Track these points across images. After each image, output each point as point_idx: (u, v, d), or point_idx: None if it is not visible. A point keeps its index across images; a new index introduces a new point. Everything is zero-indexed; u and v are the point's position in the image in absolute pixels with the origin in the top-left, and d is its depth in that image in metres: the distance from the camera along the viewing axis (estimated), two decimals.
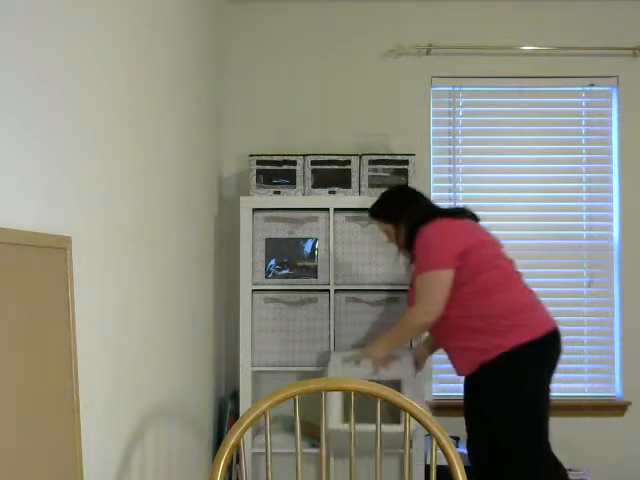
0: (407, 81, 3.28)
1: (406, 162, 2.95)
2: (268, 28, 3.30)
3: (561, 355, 2.33)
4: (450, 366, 2.47)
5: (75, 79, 1.29)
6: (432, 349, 2.66)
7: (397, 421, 2.47)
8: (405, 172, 2.94)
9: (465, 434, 2.51)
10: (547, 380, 2.31)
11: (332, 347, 2.85)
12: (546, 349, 2.29)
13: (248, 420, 1.42)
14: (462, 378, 2.47)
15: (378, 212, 2.60)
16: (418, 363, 2.64)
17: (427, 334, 2.63)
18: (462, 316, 2.30)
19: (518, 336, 2.24)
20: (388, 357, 2.50)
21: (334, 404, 2.70)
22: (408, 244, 2.48)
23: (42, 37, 1.14)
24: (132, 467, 1.64)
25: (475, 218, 2.50)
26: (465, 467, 1.39)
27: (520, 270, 2.42)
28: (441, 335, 2.44)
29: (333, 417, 2.73)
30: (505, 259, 2.39)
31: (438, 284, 2.30)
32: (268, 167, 2.95)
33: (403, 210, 2.51)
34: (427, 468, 2.77)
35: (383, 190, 2.87)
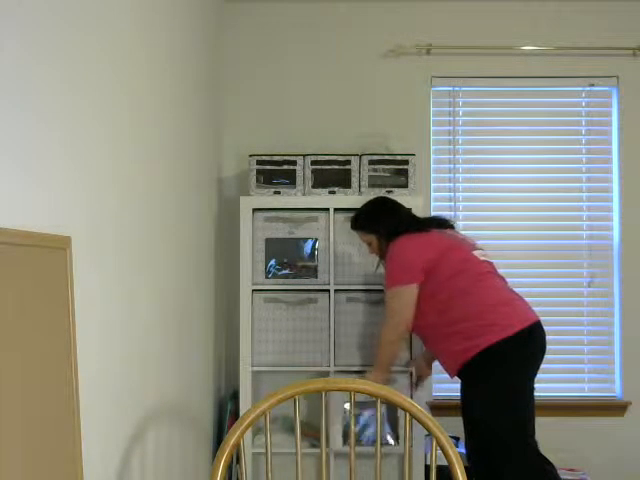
0: (407, 81, 3.28)
1: (406, 162, 2.95)
2: (268, 28, 3.30)
3: (543, 349, 2.32)
4: None
5: (74, 79, 1.29)
6: (431, 358, 2.71)
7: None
8: (405, 172, 2.94)
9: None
10: (526, 377, 2.31)
11: (332, 347, 2.85)
12: (523, 345, 2.27)
13: (248, 420, 1.42)
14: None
15: (359, 223, 2.68)
16: (419, 374, 2.75)
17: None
18: (441, 322, 2.38)
19: (492, 335, 2.25)
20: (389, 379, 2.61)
21: (335, 425, 2.73)
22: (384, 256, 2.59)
23: (42, 37, 1.14)
24: (132, 467, 1.64)
25: (446, 225, 2.59)
26: (465, 467, 1.39)
27: (498, 268, 2.47)
28: (426, 341, 2.57)
29: (334, 438, 2.75)
30: (476, 260, 2.41)
31: (403, 299, 2.42)
32: (268, 167, 2.95)
33: (381, 222, 2.60)
34: (427, 468, 2.77)
35: (383, 191, 2.89)
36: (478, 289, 2.36)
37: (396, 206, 2.66)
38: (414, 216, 2.67)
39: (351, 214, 2.89)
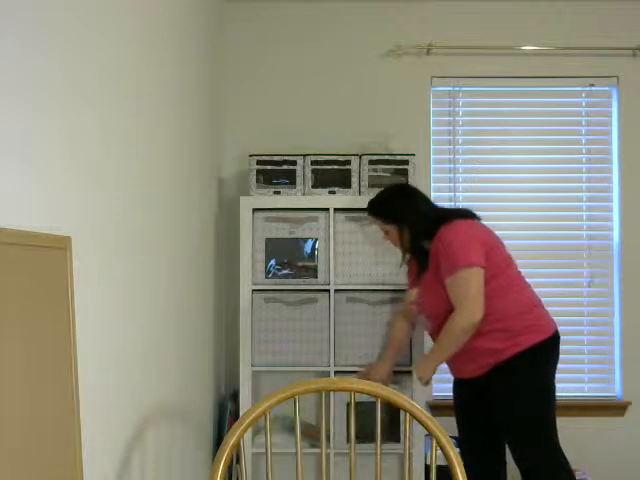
0: (407, 81, 3.28)
1: (406, 162, 2.95)
2: (268, 28, 3.30)
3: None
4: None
5: (74, 78, 1.29)
6: (393, 361, 2.67)
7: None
8: (405, 172, 2.94)
9: None
10: (554, 377, 2.34)
11: (332, 347, 2.85)
12: (556, 348, 2.33)
13: (248, 420, 1.42)
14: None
15: (379, 211, 2.54)
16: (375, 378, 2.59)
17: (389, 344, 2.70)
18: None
19: (534, 335, 2.27)
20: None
21: (335, 425, 2.75)
22: (415, 247, 2.45)
23: (41, 37, 1.14)
24: (132, 467, 1.64)
25: (479, 219, 2.48)
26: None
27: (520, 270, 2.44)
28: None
29: (334, 438, 2.75)
30: (512, 261, 2.40)
31: (474, 281, 2.23)
32: (268, 167, 2.95)
33: (407, 211, 2.46)
34: (427, 468, 2.77)
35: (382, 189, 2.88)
36: (522, 289, 2.34)
37: (417, 193, 2.52)
38: (437, 205, 2.54)
39: (351, 214, 2.90)
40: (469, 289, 2.23)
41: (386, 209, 2.53)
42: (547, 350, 2.30)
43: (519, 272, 2.39)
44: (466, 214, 2.44)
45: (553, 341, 2.31)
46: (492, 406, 2.34)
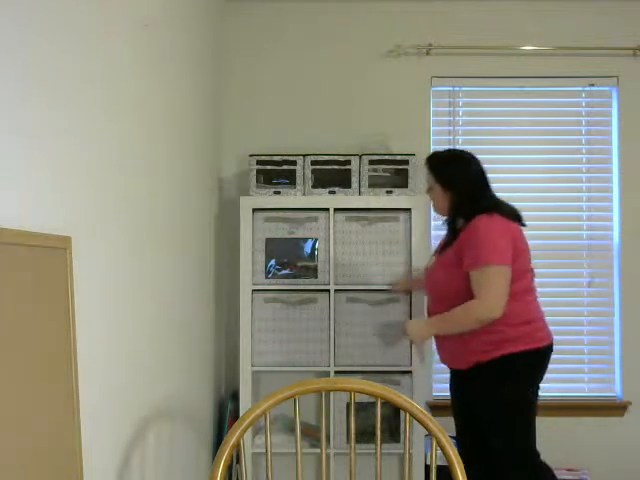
0: (407, 81, 3.28)
1: (406, 162, 2.95)
2: (268, 28, 3.30)
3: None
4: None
5: (73, 79, 1.29)
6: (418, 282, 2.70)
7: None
8: (405, 172, 2.94)
9: None
10: (538, 388, 2.35)
11: (332, 347, 2.85)
12: (546, 359, 2.33)
13: (248, 420, 1.42)
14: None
15: (436, 166, 2.45)
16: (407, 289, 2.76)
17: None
18: None
19: (530, 342, 2.27)
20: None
21: (336, 425, 2.74)
22: (449, 219, 2.40)
23: (41, 37, 1.14)
24: (132, 467, 1.64)
25: (521, 222, 2.41)
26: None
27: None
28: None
29: (335, 438, 2.75)
30: (532, 274, 2.38)
31: (502, 279, 2.21)
32: (268, 167, 2.95)
33: (460, 182, 2.39)
34: (427, 468, 2.77)
35: (383, 191, 2.88)
36: (526, 301, 2.32)
37: (481, 176, 2.42)
38: (495, 198, 2.42)
39: (351, 214, 2.90)
40: (498, 285, 2.20)
41: (443, 167, 2.45)
42: (534, 359, 2.30)
43: (533, 283, 2.38)
44: (511, 213, 2.36)
45: (542, 352, 2.30)
46: (469, 399, 2.36)
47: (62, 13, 1.23)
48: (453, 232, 2.38)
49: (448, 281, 2.33)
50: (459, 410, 2.47)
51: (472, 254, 2.25)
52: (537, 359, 2.31)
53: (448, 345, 2.40)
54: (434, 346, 2.61)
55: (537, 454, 2.34)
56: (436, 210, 2.51)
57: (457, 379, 2.46)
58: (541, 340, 2.30)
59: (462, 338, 2.31)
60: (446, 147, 2.61)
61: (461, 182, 2.39)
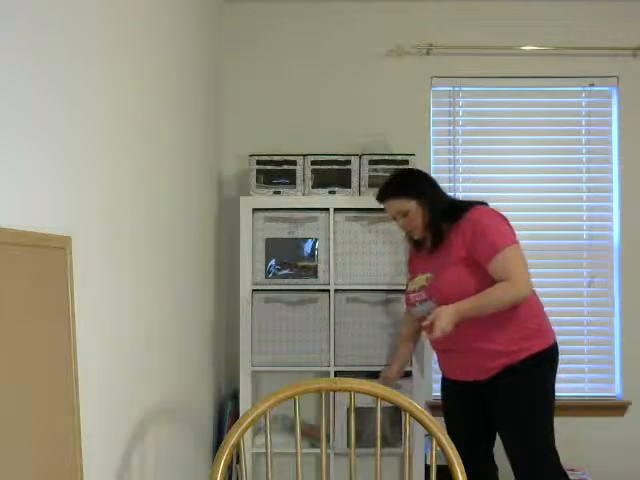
0: (407, 81, 3.28)
1: (406, 162, 2.95)
2: (268, 28, 3.30)
3: None
4: None
5: (73, 79, 1.29)
6: (405, 363, 2.67)
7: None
8: None
9: None
10: (555, 384, 2.35)
11: (332, 347, 2.85)
12: (557, 355, 2.34)
13: (248, 420, 1.42)
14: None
15: (401, 189, 2.43)
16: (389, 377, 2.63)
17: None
18: (488, 320, 2.23)
19: (542, 339, 2.28)
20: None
21: (337, 425, 2.73)
22: (434, 226, 2.37)
23: (41, 37, 1.14)
24: (132, 467, 1.64)
25: None
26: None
27: None
28: (468, 335, 2.28)
29: (336, 438, 2.74)
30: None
31: (522, 257, 2.23)
32: (268, 167, 2.95)
33: (429, 188, 2.42)
34: (427, 468, 2.77)
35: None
36: (533, 292, 2.31)
37: (432, 179, 2.49)
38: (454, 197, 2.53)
39: (351, 214, 2.90)
40: (522, 264, 2.21)
41: (409, 185, 2.44)
42: (553, 357, 2.31)
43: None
44: (483, 204, 2.41)
45: (556, 349, 2.33)
46: (491, 406, 2.33)
47: (62, 13, 1.23)
48: (440, 236, 2.36)
49: (463, 275, 2.27)
50: (473, 423, 2.42)
51: (487, 242, 2.23)
52: (553, 356, 2.32)
53: (457, 359, 2.35)
54: (435, 357, 2.61)
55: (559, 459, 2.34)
56: (412, 232, 2.45)
57: (473, 392, 2.37)
58: (552, 335, 2.32)
59: (474, 347, 2.27)
60: (390, 175, 2.56)
61: (431, 191, 2.42)
